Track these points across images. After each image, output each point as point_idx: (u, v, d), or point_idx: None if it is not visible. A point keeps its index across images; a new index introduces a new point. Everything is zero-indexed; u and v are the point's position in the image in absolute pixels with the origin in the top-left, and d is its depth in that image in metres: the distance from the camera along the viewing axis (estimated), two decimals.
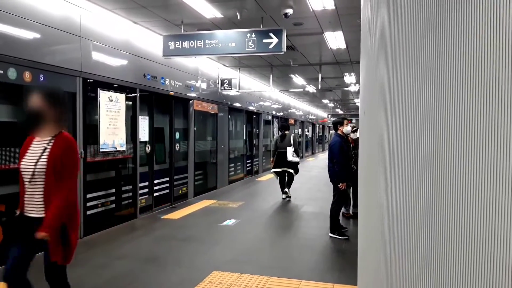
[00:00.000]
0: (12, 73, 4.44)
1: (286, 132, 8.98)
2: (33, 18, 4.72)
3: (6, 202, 4.54)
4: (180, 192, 8.58)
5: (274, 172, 8.90)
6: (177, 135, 8.60)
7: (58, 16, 5.12)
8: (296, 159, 8.65)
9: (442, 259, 0.88)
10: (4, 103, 4.71)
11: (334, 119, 6.67)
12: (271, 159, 9.16)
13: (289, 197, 8.84)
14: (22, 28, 4.59)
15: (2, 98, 4.65)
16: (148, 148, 7.46)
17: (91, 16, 5.68)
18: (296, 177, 9.02)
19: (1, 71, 4.30)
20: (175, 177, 8.39)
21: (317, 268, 4.44)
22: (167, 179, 8.18)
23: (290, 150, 8.56)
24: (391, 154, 1.39)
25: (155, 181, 7.64)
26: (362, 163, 2.89)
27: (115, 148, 6.19)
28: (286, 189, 8.84)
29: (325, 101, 23.20)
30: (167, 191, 8.14)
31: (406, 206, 1.19)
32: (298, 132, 21.42)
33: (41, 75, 4.82)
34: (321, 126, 32.21)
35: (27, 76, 4.63)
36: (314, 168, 11.82)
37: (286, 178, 8.90)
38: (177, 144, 8.55)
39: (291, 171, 8.70)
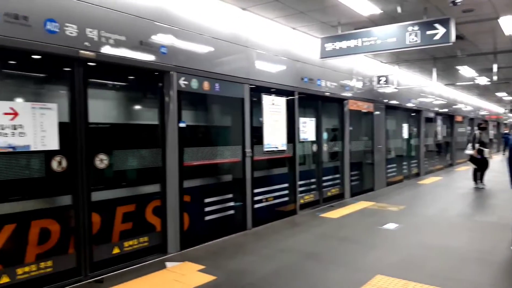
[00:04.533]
0: (194, 83, 5.17)
1: (474, 131, 10.58)
2: (208, 33, 5.37)
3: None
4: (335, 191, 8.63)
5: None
6: (333, 135, 8.72)
7: (228, 28, 5.73)
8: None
9: None
10: (190, 109, 5.50)
11: None
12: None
13: (481, 187, 10.06)
14: (200, 44, 5.29)
15: (189, 105, 5.42)
16: (315, 147, 7.90)
17: (255, 26, 6.19)
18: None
19: (187, 82, 5.05)
20: (328, 177, 8.50)
21: (498, 285, 3.89)
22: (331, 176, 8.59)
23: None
24: None
25: (323, 178, 8.27)
26: None
27: (277, 147, 6.61)
28: (479, 181, 10.22)
29: (500, 94, 20.03)
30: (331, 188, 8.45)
31: None
32: (466, 130, 19.12)
33: (216, 84, 5.48)
34: (495, 123, 27.90)
35: (206, 85, 5.33)
36: (488, 172, 10.38)
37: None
38: (335, 144, 8.67)
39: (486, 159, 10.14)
